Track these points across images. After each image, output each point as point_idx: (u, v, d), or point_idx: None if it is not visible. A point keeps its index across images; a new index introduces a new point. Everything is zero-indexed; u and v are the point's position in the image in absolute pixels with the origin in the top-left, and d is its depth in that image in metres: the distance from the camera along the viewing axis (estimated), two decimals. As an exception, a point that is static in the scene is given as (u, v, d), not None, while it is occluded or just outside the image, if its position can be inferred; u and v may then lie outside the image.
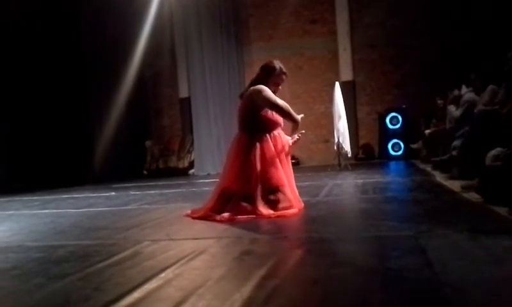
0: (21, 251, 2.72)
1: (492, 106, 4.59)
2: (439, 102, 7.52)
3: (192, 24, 10.01)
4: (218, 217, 3.27)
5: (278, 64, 3.64)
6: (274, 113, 3.55)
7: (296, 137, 3.71)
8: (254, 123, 3.51)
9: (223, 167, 3.82)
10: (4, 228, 3.71)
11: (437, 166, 6.18)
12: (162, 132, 11.57)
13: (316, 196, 4.36)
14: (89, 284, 1.89)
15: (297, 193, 3.62)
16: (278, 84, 3.63)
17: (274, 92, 3.58)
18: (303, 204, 3.58)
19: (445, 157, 4.88)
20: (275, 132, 3.54)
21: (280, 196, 3.34)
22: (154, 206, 4.57)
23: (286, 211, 3.28)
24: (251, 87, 3.57)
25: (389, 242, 2.29)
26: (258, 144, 3.43)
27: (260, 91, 3.48)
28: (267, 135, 3.49)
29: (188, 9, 9.98)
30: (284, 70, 3.67)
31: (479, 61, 6.93)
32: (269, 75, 3.60)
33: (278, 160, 3.44)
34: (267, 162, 3.40)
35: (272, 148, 3.45)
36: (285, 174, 3.47)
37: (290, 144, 3.71)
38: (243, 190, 3.35)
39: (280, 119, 3.59)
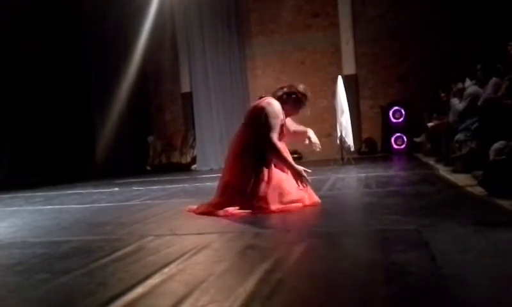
0: (25, 246, 2.73)
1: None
2: (442, 95, 7.49)
3: (194, 19, 9.99)
4: (221, 212, 3.26)
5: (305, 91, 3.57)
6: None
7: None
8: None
9: (224, 161, 3.81)
10: (8, 223, 3.72)
11: (440, 160, 6.17)
12: (164, 127, 11.57)
13: (319, 190, 4.34)
14: (93, 280, 1.90)
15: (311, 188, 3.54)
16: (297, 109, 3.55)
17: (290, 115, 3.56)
18: (317, 200, 3.49)
19: (465, 152, 4.82)
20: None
21: (285, 190, 3.32)
22: (157, 201, 4.58)
23: (291, 205, 3.26)
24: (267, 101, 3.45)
25: (392, 236, 2.29)
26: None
27: (266, 110, 3.35)
28: None
29: (189, 4, 9.95)
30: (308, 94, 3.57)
31: (482, 54, 6.89)
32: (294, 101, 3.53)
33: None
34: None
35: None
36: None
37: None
38: (246, 185, 3.33)
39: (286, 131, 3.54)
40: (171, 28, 10.97)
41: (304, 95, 3.55)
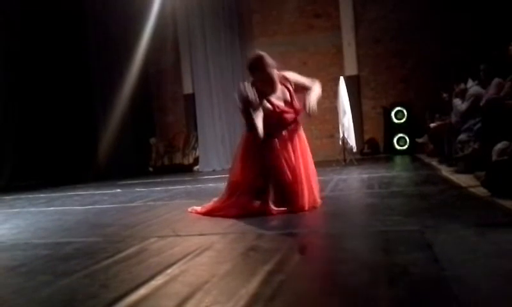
0: (28, 248, 2.73)
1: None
2: (444, 95, 7.48)
3: (196, 20, 10.01)
4: (225, 213, 3.26)
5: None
6: (273, 102, 3.42)
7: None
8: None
9: (230, 162, 3.80)
10: (11, 225, 3.73)
11: (443, 160, 6.16)
12: (166, 128, 11.57)
13: (321, 191, 4.34)
14: (96, 281, 1.90)
15: (317, 188, 3.52)
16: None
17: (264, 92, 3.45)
18: (319, 201, 3.48)
19: (467, 153, 4.80)
20: (283, 132, 3.40)
21: (286, 191, 3.30)
22: (159, 202, 4.58)
23: (293, 207, 3.24)
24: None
25: (395, 237, 2.28)
26: (264, 142, 3.34)
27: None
28: (275, 139, 3.35)
29: (191, 5, 9.97)
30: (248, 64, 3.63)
31: (485, 54, 6.88)
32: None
33: (287, 156, 3.35)
34: (275, 158, 3.35)
35: (279, 147, 3.35)
36: (299, 169, 3.37)
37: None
38: (251, 185, 3.31)
39: (283, 106, 3.44)
40: (173, 29, 10.98)
41: (250, 63, 3.64)
